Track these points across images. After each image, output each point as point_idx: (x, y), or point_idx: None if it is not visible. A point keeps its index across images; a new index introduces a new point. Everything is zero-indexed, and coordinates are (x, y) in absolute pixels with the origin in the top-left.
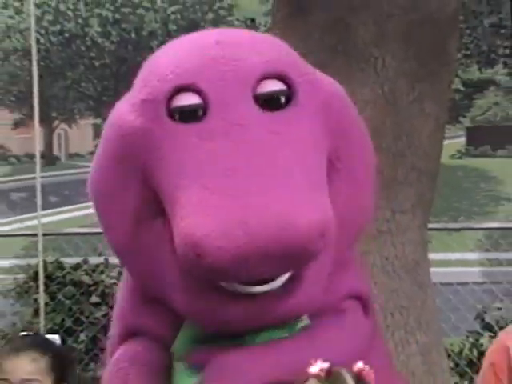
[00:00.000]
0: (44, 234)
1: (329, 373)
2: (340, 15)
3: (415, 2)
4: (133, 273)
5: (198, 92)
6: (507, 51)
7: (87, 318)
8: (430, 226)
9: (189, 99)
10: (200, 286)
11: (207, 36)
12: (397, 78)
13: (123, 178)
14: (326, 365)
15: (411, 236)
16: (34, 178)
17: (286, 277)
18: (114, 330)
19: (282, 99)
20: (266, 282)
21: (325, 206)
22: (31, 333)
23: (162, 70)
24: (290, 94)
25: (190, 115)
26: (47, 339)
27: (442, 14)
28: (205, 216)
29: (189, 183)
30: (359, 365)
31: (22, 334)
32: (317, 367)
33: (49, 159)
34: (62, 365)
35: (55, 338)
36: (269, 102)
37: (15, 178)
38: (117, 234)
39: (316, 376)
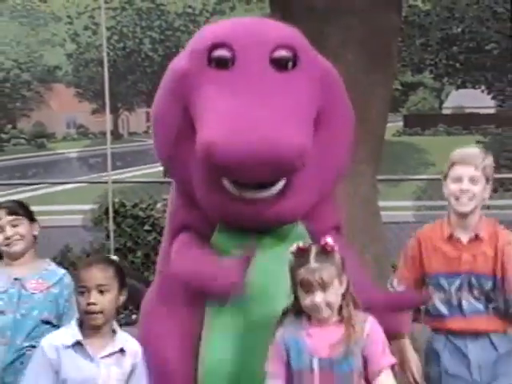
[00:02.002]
0: (113, 182)
1: (301, 249)
2: (317, 25)
3: (369, 18)
4: (174, 176)
5: (230, 48)
6: (432, 62)
7: (142, 240)
8: (378, 177)
9: (222, 53)
10: (220, 194)
11: (241, 18)
12: (356, 70)
13: (172, 104)
14: (300, 243)
15: (365, 180)
16: (105, 148)
17: (280, 185)
18: (166, 228)
19: (290, 64)
20: (265, 188)
21: (305, 135)
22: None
23: (206, 33)
24: (295, 61)
25: (222, 64)
26: (109, 256)
27: (387, 26)
28: (218, 129)
29: (212, 108)
30: (327, 239)
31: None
32: (294, 246)
33: (116, 135)
34: (122, 274)
35: (115, 258)
36: (279, 65)
37: (93, 148)
38: (164, 144)
39: (292, 253)
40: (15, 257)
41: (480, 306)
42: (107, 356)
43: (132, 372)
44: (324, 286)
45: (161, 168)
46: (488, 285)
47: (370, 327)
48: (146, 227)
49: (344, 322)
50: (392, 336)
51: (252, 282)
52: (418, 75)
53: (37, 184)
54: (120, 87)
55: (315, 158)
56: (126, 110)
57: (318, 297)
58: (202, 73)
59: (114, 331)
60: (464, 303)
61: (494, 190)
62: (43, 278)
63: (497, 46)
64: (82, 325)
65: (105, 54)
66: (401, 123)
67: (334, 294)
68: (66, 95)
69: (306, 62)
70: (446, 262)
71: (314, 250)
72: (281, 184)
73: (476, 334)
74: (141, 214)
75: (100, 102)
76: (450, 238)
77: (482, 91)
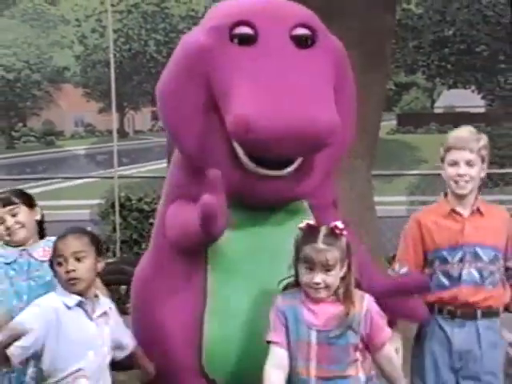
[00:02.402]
0: (119, 177)
1: (310, 227)
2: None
3: (365, 19)
4: (184, 148)
5: (252, 26)
6: (424, 63)
7: (147, 233)
8: (373, 173)
9: (245, 30)
10: (236, 168)
11: None
12: (352, 69)
13: (186, 79)
14: (310, 221)
15: (361, 175)
16: (112, 145)
17: (295, 165)
18: (163, 200)
19: (308, 41)
20: (280, 168)
21: (335, 112)
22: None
23: (225, 10)
24: (313, 39)
25: (244, 41)
26: (83, 227)
27: (382, 28)
28: (255, 105)
29: (240, 83)
30: (337, 223)
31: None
32: (304, 223)
33: (122, 134)
34: (98, 242)
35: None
36: (299, 42)
37: (100, 145)
38: (174, 119)
39: (300, 229)
40: (20, 245)
41: (477, 277)
42: (100, 316)
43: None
44: (326, 268)
45: (164, 164)
46: (490, 255)
47: (368, 304)
48: (151, 220)
49: (345, 299)
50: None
51: (257, 255)
52: (411, 76)
53: (46, 179)
54: (126, 87)
55: None
56: (132, 109)
57: (319, 277)
58: (224, 49)
59: (96, 296)
60: (464, 274)
61: (485, 185)
62: (49, 245)
63: (486, 48)
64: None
65: (111, 56)
66: (394, 122)
67: (334, 277)
68: (74, 95)
69: (322, 41)
70: (448, 236)
71: (323, 230)
72: (296, 164)
73: (465, 317)
74: (146, 207)
75: (107, 101)
76: (451, 213)
77: (473, 91)
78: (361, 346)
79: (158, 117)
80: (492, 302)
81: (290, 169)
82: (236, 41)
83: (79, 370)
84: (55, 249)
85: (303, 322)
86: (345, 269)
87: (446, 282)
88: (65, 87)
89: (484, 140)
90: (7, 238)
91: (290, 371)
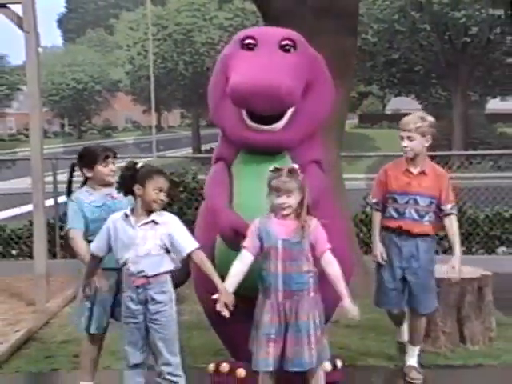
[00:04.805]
0: (157, 157)
1: (277, 169)
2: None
3: (335, 40)
4: (218, 120)
5: (254, 39)
6: (378, 78)
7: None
8: (341, 154)
9: (249, 41)
10: (241, 126)
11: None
12: None
13: (219, 76)
14: (277, 165)
15: (332, 151)
16: (151, 137)
17: (282, 123)
18: (213, 156)
19: (291, 49)
20: (270, 124)
21: (294, 83)
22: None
23: (240, 34)
24: (295, 48)
25: (249, 48)
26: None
27: (346, 47)
28: (239, 77)
29: (238, 70)
30: (294, 165)
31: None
32: (272, 167)
33: (159, 128)
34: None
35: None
36: (284, 49)
37: (143, 137)
38: (212, 100)
39: (270, 171)
40: (107, 186)
41: (415, 216)
42: (143, 224)
43: (171, 236)
44: (288, 193)
45: (190, 150)
46: (426, 202)
47: (315, 224)
48: (180, 189)
49: (299, 218)
50: None
51: (256, 176)
52: (368, 87)
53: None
54: (162, 95)
55: (306, 110)
56: (166, 110)
57: (283, 199)
58: (238, 54)
59: (151, 212)
60: (407, 212)
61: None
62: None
63: (422, 68)
64: (132, 210)
65: (151, 72)
66: (356, 120)
67: (294, 200)
68: (125, 100)
69: (301, 50)
70: (401, 185)
71: (285, 170)
72: (282, 122)
73: (409, 236)
74: (176, 179)
75: (148, 104)
76: (406, 171)
77: (412, 98)
78: (310, 252)
79: (184, 116)
80: (427, 230)
81: (277, 124)
82: (245, 48)
83: (128, 259)
84: (153, 178)
85: (272, 233)
86: (301, 197)
87: (395, 214)
88: (118, 95)
89: (426, 122)
90: (109, 179)
91: (262, 271)
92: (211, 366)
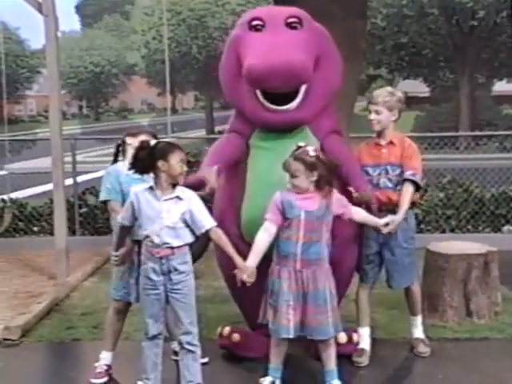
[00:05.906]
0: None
1: (299, 146)
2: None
3: (345, 23)
4: (233, 102)
5: (262, 20)
6: (387, 61)
7: None
8: (351, 135)
9: (257, 22)
10: (256, 105)
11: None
12: None
13: (229, 57)
14: (300, 143)
15: (343, 125)
16: (166, 118)
17: (296, 102)
18: (227, 129)
19: (298, 26)
20: (285, 104)
21: (307, 59)
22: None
23: (247, 15)
24: (301, 24)
25: (257, 29)
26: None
27: (356, 30)
28: (254, 58)
29: (251, 51)
30: (308, 148)
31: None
32: (294, 145)
33: (173, 110)
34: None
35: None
36: (291, 27)
37: (158, 118)
38: (227, 83)
39: (293, 151)
40: None
41: (389, 184)
42: (168, 199)
43: (191, 212)
44: (292, 175)
45: (203, 132)
46: (396, 171)
47: (335, 195)
48: (195, 168)
49: (323, 192)
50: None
51: (274, 159)
52: (377, 70)
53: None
54: (176, 78)
55: (318, 85)
56: (181, 93)
57: (294, 180)
58: (246, 36)
59: (174, 186)
60: (381, 182)
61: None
62: None
63: (430, 52)
64: (156, 183)
65: (166, 56)
66: (365, 102)
67: (300, 181)
68: (141, 83)
69: (307, 26)
70: (373, 158)
71: (296, 151)
72: (297, 101)
73: (388, 211)
74: (190, 158)
75: (163, 87)
76: (376, 145)
77: (420, 81)
78: (331, 223)
79: (198, 98)
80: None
81: (292, 104)
82: (253, 29)
83: (152, 231)
84: (175, 152)
85: (295, 205)
86: (315, 176)
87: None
88: (134, 78)
89: (394, 96)
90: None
91: (283, 239)
92: (218, 330)
